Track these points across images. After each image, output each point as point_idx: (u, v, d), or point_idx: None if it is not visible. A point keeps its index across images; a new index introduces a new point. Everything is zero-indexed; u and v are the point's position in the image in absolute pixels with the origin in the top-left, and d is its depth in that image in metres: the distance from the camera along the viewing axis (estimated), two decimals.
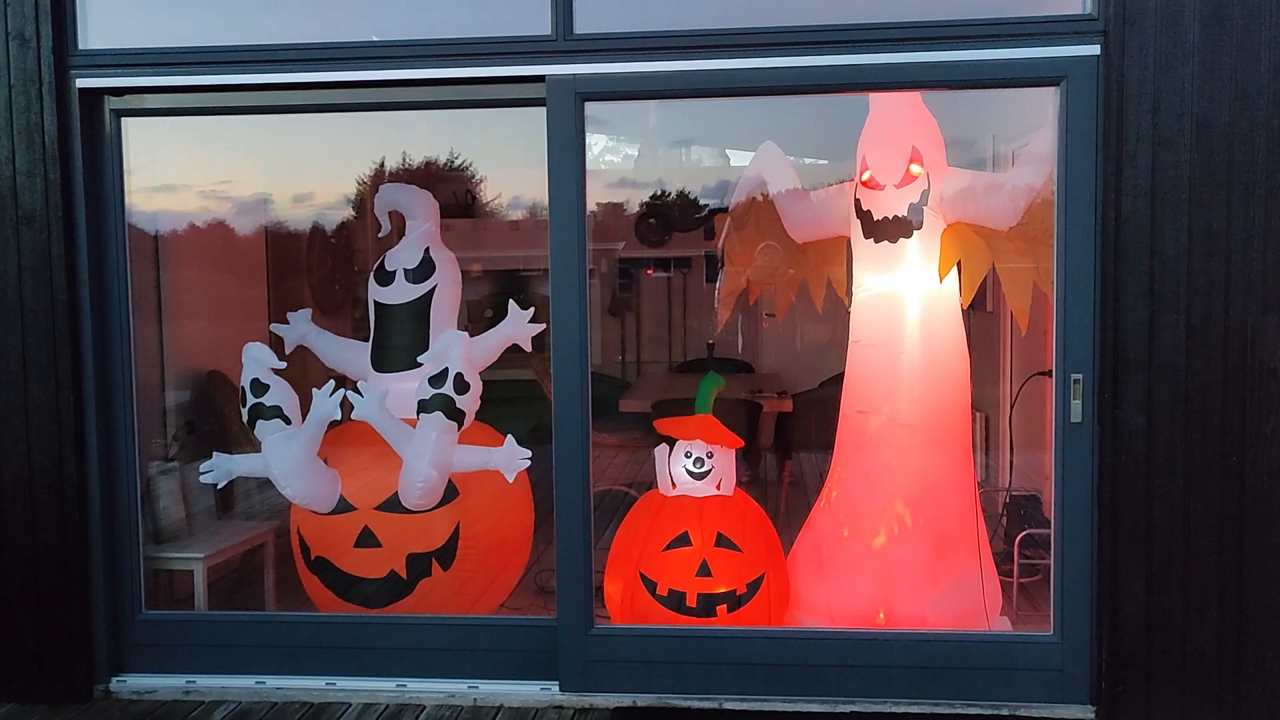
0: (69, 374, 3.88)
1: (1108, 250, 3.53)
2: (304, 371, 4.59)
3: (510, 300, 4.38)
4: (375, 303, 4.49)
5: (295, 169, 6.20)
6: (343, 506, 4.26)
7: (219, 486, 4.38)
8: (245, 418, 4.17)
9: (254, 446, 4.22)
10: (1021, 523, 4.81)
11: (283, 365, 4.16)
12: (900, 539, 4.09)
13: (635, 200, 8.19)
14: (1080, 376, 3.61)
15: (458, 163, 7.59)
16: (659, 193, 8.24)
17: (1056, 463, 3.67)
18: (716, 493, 4.20)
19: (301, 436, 4.12)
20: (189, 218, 5.33)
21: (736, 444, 4.27)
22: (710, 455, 4.20)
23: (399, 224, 4.56)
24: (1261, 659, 3.53)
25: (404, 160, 6.32)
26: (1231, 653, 3.54)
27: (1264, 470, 3.49)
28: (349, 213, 6.58)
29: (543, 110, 3.76)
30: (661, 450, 4.27)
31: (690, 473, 4.21)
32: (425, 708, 3.91)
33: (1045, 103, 3.75)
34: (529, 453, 4.11)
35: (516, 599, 4.68)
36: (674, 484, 4.24)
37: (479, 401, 4.20)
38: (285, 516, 4.59)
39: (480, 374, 4.24)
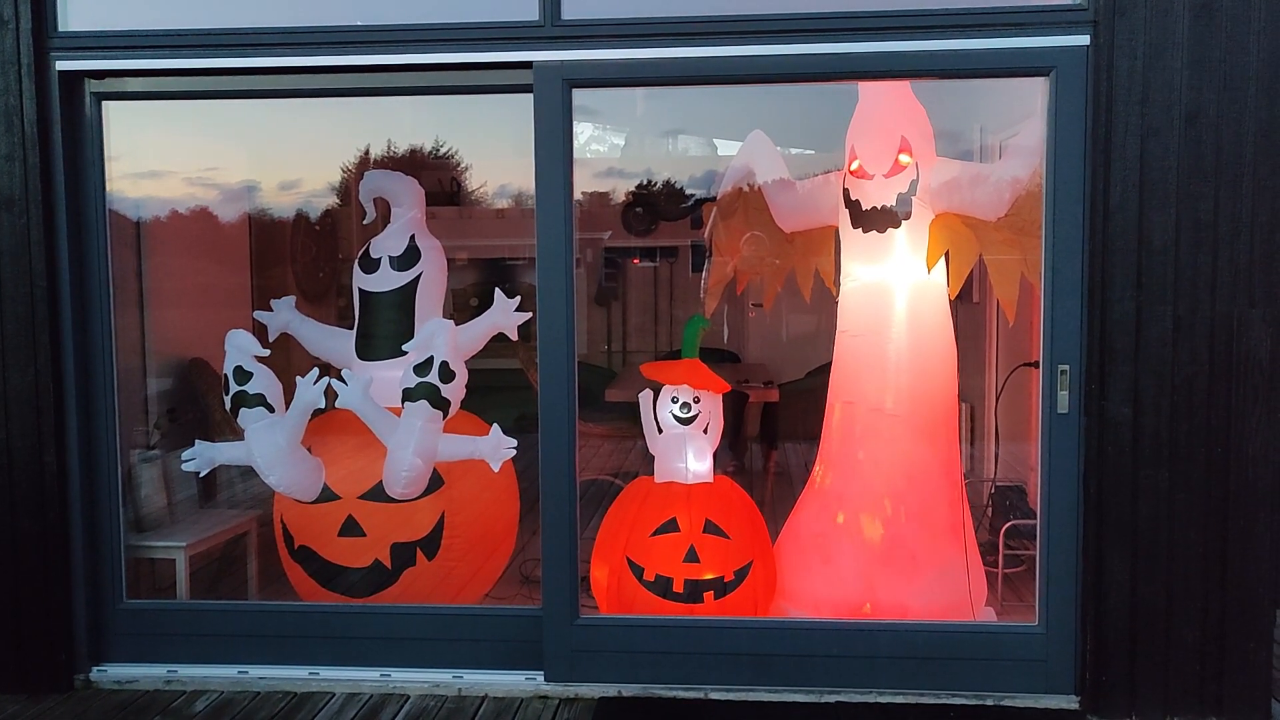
0: (49, 361, 3.84)
1: (1095, 241, 3.53)
2: (288, 359, 4.56)
3: (496, 288, 4.35)
4: (360, 290, 4.46)
5: (280, 155, 6.16)
6: (327, 495, 4.24)
7: (201, 475, 4.34)
8: (228, 405, 4.13)
9: (237, 434, 4.19)
10: (1007, 513, 4.82)
11: (266, 353, 4.12)
12: (886, 529, 4.09)
13: (622, 189, 8.18)
14: (1067, 367, 3.62)
15: (443, 150, 7.55)
16: (646, 182, 8.22)
17: (1042, 453, 3.68)
18: (706, 470, 4.19)
19: (285, 425, 4.09)
20: (172, 204, 5.28)
21: (723, 388, 4.27)
22: (697, 400, 4.20)
23: (384, 211, 4.53)
24: (1245, 649, 3.55)
25: (389, 147, 6.28)
26: (1215, 643, 3.56)
27: (1248, 462, 3.51)
28: (334, 200, 6.54)
29: (529, 97, 3.73)
30: (646, 396, 4.26)
31: (677, 417, 4.20)
32: (409, 698, 3.90)
33: (1034, 93, 3.74)
34: (514, 442, 4.09)
35: (501, 589, 4.67)
36: (660, 429, 4.23)
37: (464, 390, 4.18)
38: (268, 505, 4.56)
39: (466, 362, 4.22)
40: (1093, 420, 3.57)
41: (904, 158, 4.05)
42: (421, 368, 4.07)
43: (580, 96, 3.77)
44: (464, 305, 5.93)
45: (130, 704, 3.87)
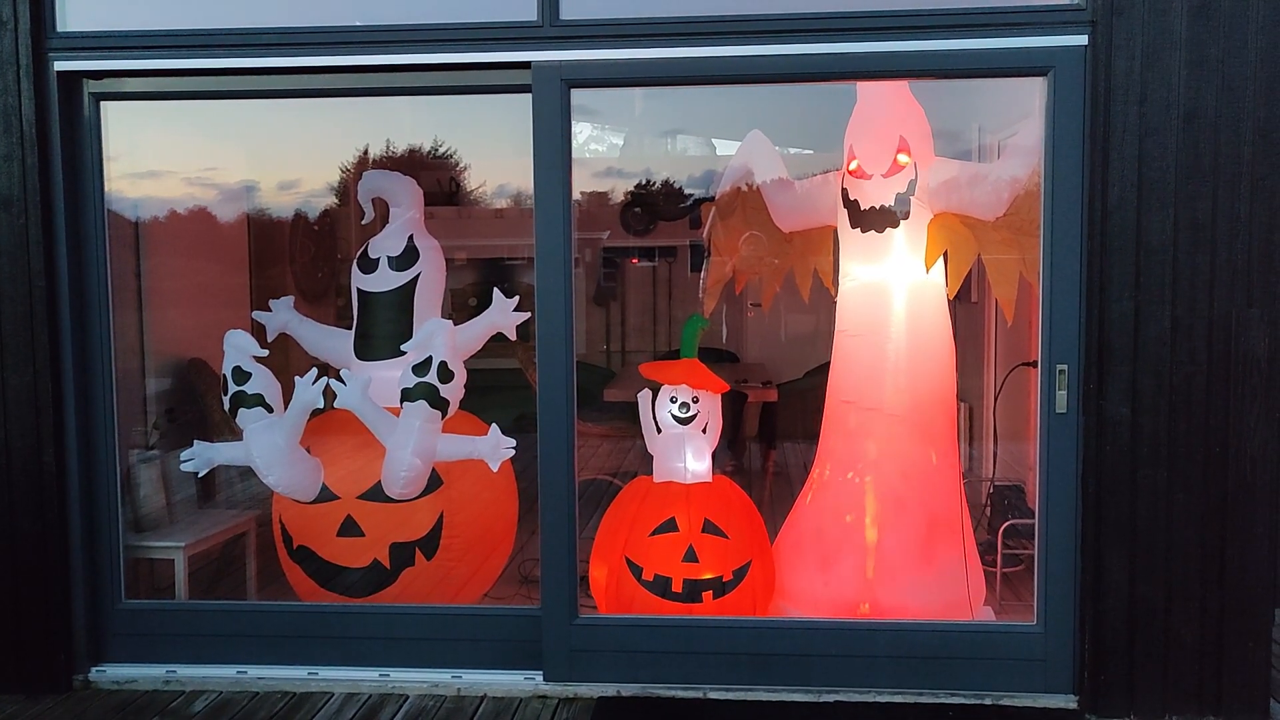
0: (47, 361, 3.84)
1: (1094, 241, 3.53)
2: (286, 359, 4.56)
3: (495, 288, 4.35)
4: (358, 290, 4.46)
5: (279, 155, 6.16)
6: (325, 495, 4.23)
7: (200, 475, 4.34)
8: (227, 406, 4.13)
9: (235, 435, 4.19)
10: (1005, 513, 4.83)
11: (265, 353, 4.12)
12: (885, 529, 4.09)
13: (620, 189, 8.18)
14: (1065, 367, 3.62)
15: (442, 150, 7.55)
16: (644, 182, 8.22)
17: (1041, 453, 3.68)
18: (705, 469, 4.20)
19: (284, 425, 4.09)
20: (171, 204, 5.28)
21: (722, 388, 4.28)
22: (696, 400, 4.20)
23: (383, 211, 4.53)
24: (1243, 649, 3.55)
25: (388, 147, 6.29)
26: (1213, 643, 3.56)
27: (1246, 461, 3.51)
28: (332, 200, 6.54)
29: (528, 97, 3.73)
30: (645, 396, 4.26)
31: (676, 417, 4.20)
32: (408, 697, 3.90)
33: (1032, 93, 3.75)
34: (513, 441, 4.09)
35: (500, 588, 4.67)
36: (659, 429, 4.23)
37: (463, 390, 4.18)
38: (267, 505, 4.56)
39: (464, 362, 4.22)
40: (1091, 420, 3.57)
41: (902, 157, 4.05)
42: (420, 368, 4.07)
43: (579, 96, 3.77)
44: (463, 305, 5.94)
45: (129, 704, 3.87)
